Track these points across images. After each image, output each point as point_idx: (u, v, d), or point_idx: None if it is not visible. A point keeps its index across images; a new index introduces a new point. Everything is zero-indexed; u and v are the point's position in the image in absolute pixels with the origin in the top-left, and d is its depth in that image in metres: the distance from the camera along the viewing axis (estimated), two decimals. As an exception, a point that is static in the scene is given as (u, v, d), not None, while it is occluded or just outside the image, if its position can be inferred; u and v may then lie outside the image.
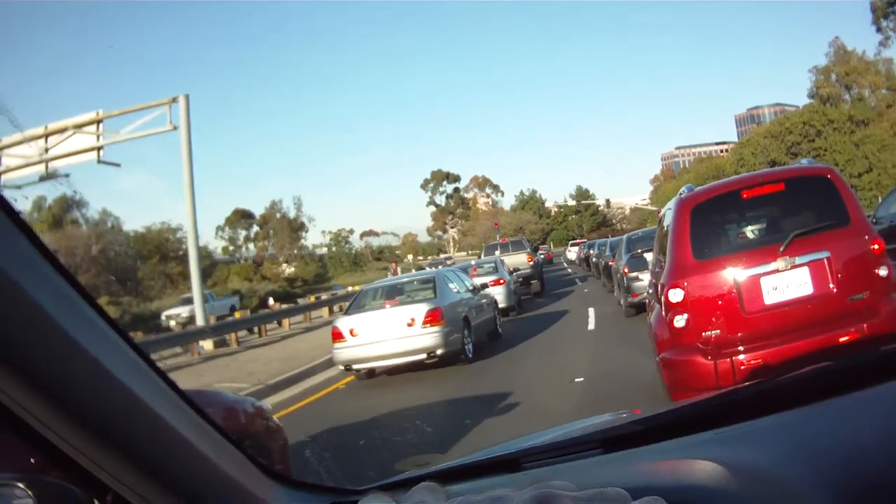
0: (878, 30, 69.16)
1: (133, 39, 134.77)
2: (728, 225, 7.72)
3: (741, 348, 6.62)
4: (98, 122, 26.74)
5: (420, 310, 14.55)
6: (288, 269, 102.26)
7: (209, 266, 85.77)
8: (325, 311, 37.38)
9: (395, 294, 16.45)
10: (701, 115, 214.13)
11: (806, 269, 6.66)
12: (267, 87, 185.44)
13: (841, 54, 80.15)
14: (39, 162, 26.41)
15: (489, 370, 13.97)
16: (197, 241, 28.38)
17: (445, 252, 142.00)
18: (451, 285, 16.43)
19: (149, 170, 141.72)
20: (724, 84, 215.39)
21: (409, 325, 14.34)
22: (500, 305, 22.19)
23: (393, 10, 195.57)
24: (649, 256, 11.34)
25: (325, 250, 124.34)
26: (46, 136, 26.52)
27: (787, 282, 6.68)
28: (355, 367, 14.81)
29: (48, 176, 26.05)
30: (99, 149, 26.71)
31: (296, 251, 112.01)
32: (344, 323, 14.99)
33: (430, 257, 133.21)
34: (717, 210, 7.46)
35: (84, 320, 1.17)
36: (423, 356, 14.34)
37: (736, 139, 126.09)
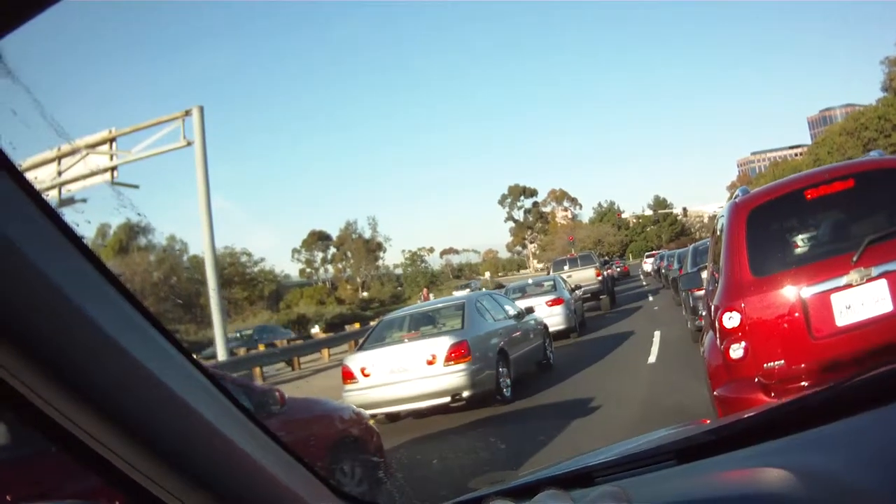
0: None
1: (169, 46, 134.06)
2: (790, 232, 6.64)
3: (809, 382, 5.49)
4: (111, 140, 25.66)
5: (442, 344, 12.52)
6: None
7: (276, 289, 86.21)
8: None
9: (418, 325, 14.41)
10: (774, 120, 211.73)
11: (883, 282, 5.57)
12: (339, 106, 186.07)
13: (912, 43, 77.47)
14: (52, 187, 24.48)
15: (521, 421, 11.84)
16: (215, 264, 26.90)
17: (525, 267, 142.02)
18: (485, 312, 14.41)
19: (223, 194, 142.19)
20: (795, 87, 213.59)
21: (430, 362, 12.32)
22: (559, 327, 21.72)
23: (465, 23, 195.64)
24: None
25: (401, 270, 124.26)
26: (59, 158, 24.39)
27: (862, 298, 5.59)
28: (369, 412, 11.87)
29: (61, 203, 24.40)
30: (113, 169, 25.65)
31: (373, 272, 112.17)
32: (355, 360, 13.08)
33: (510, 273, 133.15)
34: (777, 215, 6.43)
35: (152, 346, 1.21)
36: (447, 399, 12.31)
37: (809, 142, 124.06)
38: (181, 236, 76.95)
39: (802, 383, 5.49)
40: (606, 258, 54.61)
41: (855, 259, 5.59)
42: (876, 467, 1.31)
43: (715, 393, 6.20)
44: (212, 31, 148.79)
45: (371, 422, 7.65)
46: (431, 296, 37.78)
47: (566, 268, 35.35)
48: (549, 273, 35.89)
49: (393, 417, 13.32)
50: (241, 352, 27.74)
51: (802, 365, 5.60)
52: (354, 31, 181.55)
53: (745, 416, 2.15)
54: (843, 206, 6.35)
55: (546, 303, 22.68)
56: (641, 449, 2.11)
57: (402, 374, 12.42)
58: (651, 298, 35.75)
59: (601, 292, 33.73)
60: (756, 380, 5.75)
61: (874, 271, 5.55)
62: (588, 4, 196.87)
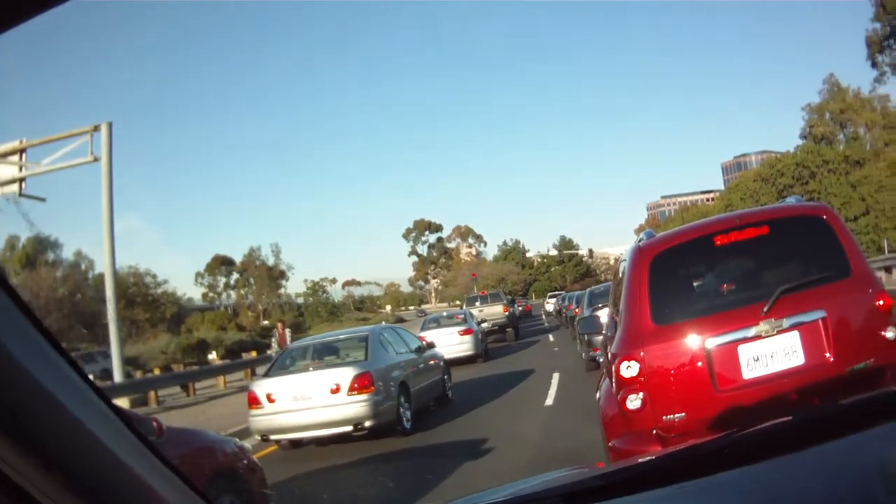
0: (874, 65, 66.63)
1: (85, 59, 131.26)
2: (697, 279, 6.37)
3: (711, 436, 5.07)
4: (22, 151, 25.20)
5: (346, 374, 12.67)
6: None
7: (178, 312, 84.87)
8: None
9: (323, 354, 14.56)
10: (687, 164, 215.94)
11: (796, 334, 5.35)
12: (247, 131, 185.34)
13: (835, 91, 78.04)
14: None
15: (415, 458, 11.79)
16: (115, 284, 26.57)
17: (427, 302, 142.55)
18: (388, 345, 14.63)
19: (136, 214, 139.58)
20: (711, 132, 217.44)
21: (334, 391, 12.45)
22: (469, 353, 26.58)
23: (378, 58, 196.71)
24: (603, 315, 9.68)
25: (302, 300, 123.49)
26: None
27: (772, 350, 5.35)
28: (273, 437, 13.00)
29: None
30: (21, 180, 25.08)
31: (274, 300, 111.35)
32: (261, 387, 13.13)
33: (412, 307, 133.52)
34: (682, 261, 6.14)
35: (51, 367, 1.22)
36: (350, 428, 12.49)
37: (723, 187, 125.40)
38: (88, 253, 75.87)
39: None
40: (510, 297, 56.19)
41: (766, 309, 5.35)
42: None
43: (610, 444, 5.88)
44: (131, 47, 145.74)
45: (255, 456, 7.37)
46: (287, 332, 36.96)
47: (478, 304, 39.93)
48: (462, 307, 40.03)
49: (296, 443, 13.55)
50: (138, 374, 26.93)
51: (704, 418, 5.28)
52: (267, 56, 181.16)
53: (637, 461, 2.25)
54: (755, 253, 6.09)
55: (458, 332, 26.95)
56: (530, 491, 2.13)
57: (306, 402, 12.55)
58: (552, 338, 36.84)
59: (507, 325, 38.72)
60: (654, 432, 5.44)
61: (786, 322, 5.33)
62: (501, 40, 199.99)
